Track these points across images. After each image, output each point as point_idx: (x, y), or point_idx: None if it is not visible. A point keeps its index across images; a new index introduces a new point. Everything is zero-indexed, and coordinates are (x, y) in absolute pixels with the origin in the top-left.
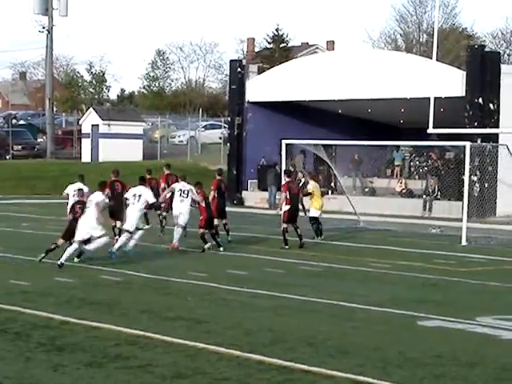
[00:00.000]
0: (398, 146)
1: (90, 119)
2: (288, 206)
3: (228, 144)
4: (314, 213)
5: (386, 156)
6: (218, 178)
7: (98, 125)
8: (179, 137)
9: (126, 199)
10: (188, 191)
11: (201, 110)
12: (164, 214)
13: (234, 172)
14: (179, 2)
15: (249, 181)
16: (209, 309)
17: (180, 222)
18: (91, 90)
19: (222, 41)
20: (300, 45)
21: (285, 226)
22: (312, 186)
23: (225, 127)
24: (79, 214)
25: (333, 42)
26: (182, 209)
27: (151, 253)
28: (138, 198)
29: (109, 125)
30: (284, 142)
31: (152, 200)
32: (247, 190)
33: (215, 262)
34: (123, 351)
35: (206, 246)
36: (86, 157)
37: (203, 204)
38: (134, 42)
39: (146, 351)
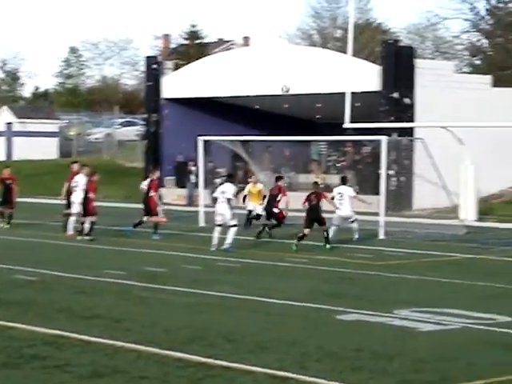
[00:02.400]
0: (315, 141)
1: (3, 117)
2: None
3: (145, 141)
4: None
5: (304, 151)
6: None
7: (11, 123)
8: (95, 134)
9: None
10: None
11: (117, 107)
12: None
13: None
14: None
15: (166, 178)
16: (126, 307)
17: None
18: (4, 87)
19: (137, 37)
20: (216, 41)
21: None
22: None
23: (141, 124)
24: None
25: (248, 37)
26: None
27: (66, 251)
28: None
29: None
30: (201, 138)
31: None
32: (164, 187)
33: (132, 259)
34: (40, 351)
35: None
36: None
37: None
38: (48, 39)
39: (64, 351)
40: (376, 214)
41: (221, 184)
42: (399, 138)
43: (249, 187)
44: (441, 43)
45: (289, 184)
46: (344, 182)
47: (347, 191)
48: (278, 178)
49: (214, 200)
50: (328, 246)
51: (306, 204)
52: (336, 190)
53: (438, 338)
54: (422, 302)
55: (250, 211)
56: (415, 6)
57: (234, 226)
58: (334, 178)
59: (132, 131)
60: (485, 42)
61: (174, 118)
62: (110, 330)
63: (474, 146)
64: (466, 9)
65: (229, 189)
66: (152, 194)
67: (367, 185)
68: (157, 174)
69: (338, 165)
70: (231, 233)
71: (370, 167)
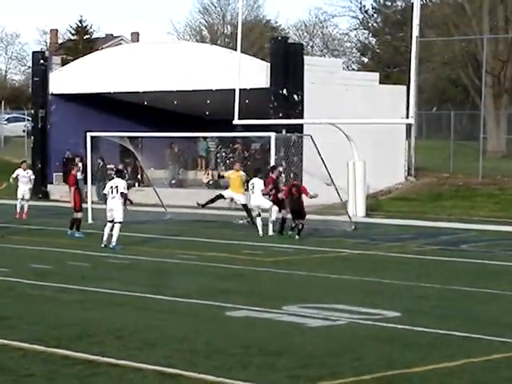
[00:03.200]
0: (204, 138)
1: None
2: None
3: (32, 137)
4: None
5: (192, 147)
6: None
7: None
8: None
9: None
10: None
11: (3, 102)
12: None
13: (39, 165)
14: None
15: (54, 174)
16: (12, 304)
17: None
18: None
19: (24, 32)
20: (104, 36)
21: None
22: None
23: (28, 120)
24: None
25: (137, 33)
26: None
27: None
28: None
29: None
30: (89, 134)
31: None
32: (52, 183)
33: (17, 256)
34: None
35: None
36: None
37: None
38: None
39: None
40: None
41: (110, 179)
42: (288, 135)
43: (228, 173)
44: (330, 40)
45: (178, 181)
46: (256, 174)
47: (258, 183)
48: (273, 168)
49: (104, 197)
50: (297, 236)
51: (287, 197)
52: (250, 182)
53: (326, 333)
54: (311, 298)
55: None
56: (304, 3)
57: (120, 222)
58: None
59: (19, 127)
60: (373, 39)
61: (62, 113)
62: None
63: (362, 142)
64: (354, 7)
65: (120, 183)
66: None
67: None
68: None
69: (227, 161)
70: (116, 229)
71: (259, 163)
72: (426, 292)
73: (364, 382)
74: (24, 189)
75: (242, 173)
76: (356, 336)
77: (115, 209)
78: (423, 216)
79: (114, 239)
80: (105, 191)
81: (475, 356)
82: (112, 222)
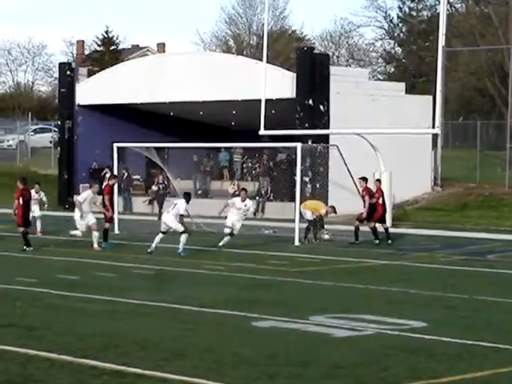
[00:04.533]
0: (226, 148)
1: None
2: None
3: (59, 148)
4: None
5: (216, 158)
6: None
7: None
8: (8, 141)
9: None
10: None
11: (30, 113)
12: None
13: (65, 176)
14: (3, 2)
15: (81, 185)
16: (40, 315)
17: None
18: None
19: (51, 43)
20: (130, 47)
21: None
22: None
23: (55, 131)
24: None
25: (163, 44)
26: None
27: None
28: None
29: None
30: (116, 145)
31: None
32: (79, 194)
33: (44, 266)
34: None
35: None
36: None
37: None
38: None
39: None
40: (292, 220)
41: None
42: (314, 145)
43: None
44: (355, 50)
45: (204, 191)
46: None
47: (180, 203)
48: (363, 179)
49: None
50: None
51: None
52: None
53: (353, 343)
54: (337, 308)
55: None
56: (330, 13)
57: (184, 232)
58: (250, 185)
59: (46, 138)
60: (398, 49)
61: (89, 124)
62: (23, 338)
63: (388, 152)
64: (379, 17)
65: (181, 204)
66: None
67: (282, 191)
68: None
69: (253, 172)
70: (182, 238)
71: (285, 174)
72: (453, 302)
73: None
74: (33, 208)
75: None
76: (382, 346)
77: (168, 222)
78: (449, 226)
79: (181, 246)
80: (164, 209)
81: (503, 366)
82: (164, 233)
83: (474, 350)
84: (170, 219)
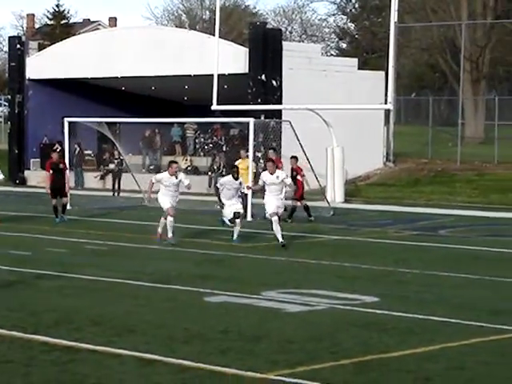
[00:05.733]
0: (178, 123)
1: None
2: None
3: (9, 122)
4: None
5: (168, 133)
6: None
7: None
8: None
9: None
10: None
11: None
12: None
13: (16, 151)
14: None
15: (31, 160)
16: None
17: None
18: None
19: (0, 16)
20: (82, 21)
21: None
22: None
23: (5, 105)
24: None
25: (115, 18)
26: None
27: None
28: None
29: None
30: (67, 119)
31: None
32: (30, 169)
33: None
34: None
35: None
36: None
37: None
38: None
39: None
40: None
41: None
42: (267, 120)
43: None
44: (308, 26)
45: (156, 167)
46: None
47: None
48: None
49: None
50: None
51: None
52: None
53: (305, 318)
54: (289, 284)
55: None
56: None
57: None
58: (202, 161)
59: None
60: (351, 25)
61: (39, 99)
62: None
63: (341, 128)
64: None
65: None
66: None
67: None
68: None
69: (205, 147)
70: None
71: (238, 149)
72: (405, 277)
73: (342, 367)
74: None
75: (248, 161)
76: (335, 321)
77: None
78: (402, 201)
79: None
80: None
81: (453, 340)
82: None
83: (425, 325)
84: None
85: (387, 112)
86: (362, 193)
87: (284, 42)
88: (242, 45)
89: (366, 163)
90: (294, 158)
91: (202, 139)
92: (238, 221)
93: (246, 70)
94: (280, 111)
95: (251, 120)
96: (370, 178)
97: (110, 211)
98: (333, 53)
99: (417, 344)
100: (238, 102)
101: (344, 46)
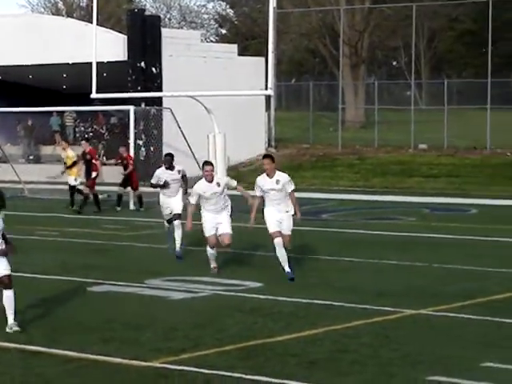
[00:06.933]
0: (58, 112)
1: None
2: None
3: None
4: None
5: (48, 122)
6: None
7: None
8: None
9: None
10: None
11: None
12: None
13: None
14: None
15: None
16: None
17: None
18: None
19: None
20: None
21: None
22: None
23: None
24: None
25: None
26: None
27: None
28: None
29: None
30: None
31: None
32: None
33: None
34: None
35: None
36: None
37: None
38: None
39: None
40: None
41: None
42: (147, 108)
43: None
44: (187, 12)
45: (35, 156)
46: None
47: None
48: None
49: None
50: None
51: None
52: None
53: (189, 305)
54: (173, 271)
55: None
56: None
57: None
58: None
59: None
60: (230, 11)
61: None
62: None
63: (223, 114)
64: None
65: None
66: None
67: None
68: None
69: (86, 136)
70: None
71: (118, 137)
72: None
73: (226, 353)
74: None
75: (70, 151)
76: (219, 307)
77: None
78: None
79: None
80: None
81: (337, 323)
82: None
83: (309, 309)
84: None
85: (268, 98)
86: (245, 179)
87: (163, 29)
88: (120, 32)
89: (248, 149)
90: (85, 139)
91: (82, 128)
92: (176, 223)
93: (125, 58)
94: (161, 98)
95: (131, 108)
96: (252, 164)
97: None
98: (212, 39)
99: (301, 328)
100: (118, 90)
101: (224, 32)
